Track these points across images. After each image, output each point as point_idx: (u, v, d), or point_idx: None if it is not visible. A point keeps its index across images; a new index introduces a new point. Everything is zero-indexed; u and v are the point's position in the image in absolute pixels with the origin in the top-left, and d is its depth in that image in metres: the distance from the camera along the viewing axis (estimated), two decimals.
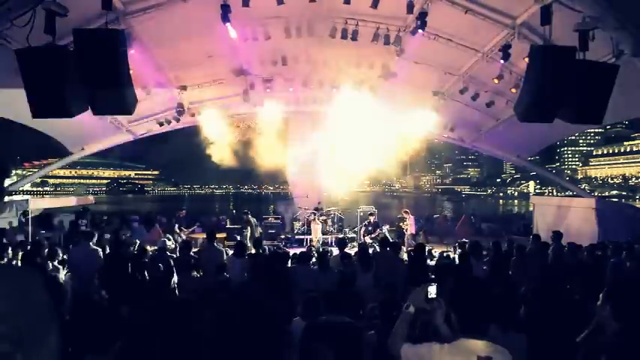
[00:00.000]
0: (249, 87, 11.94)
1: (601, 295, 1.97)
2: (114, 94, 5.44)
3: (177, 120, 12.66)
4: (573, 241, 7.61)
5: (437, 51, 9.04)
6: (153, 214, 17.53)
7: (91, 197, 17.56)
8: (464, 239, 9.17)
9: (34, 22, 5.26)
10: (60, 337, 0.97)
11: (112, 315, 3.16)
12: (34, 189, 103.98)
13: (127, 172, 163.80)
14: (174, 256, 7.39)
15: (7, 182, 1.06)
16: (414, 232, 12.55)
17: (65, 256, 6.80)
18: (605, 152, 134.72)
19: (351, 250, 9.20)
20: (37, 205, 12.75)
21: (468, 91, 10.25)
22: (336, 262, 6.44)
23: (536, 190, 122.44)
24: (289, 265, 6.67)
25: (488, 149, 14.19)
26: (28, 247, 6.84)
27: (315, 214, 13.52)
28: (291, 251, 8.69)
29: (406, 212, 13.18)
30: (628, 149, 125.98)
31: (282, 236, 13.68)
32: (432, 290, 2.00)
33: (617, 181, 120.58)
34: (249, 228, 12.49)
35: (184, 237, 11.44)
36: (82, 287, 5.36)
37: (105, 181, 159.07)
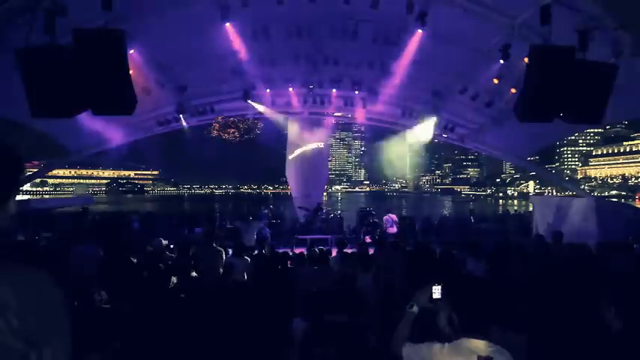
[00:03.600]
0: (249, 87, 11.97)
1: (604, 295, 1.97)
2: (114, 94, 5.44)
3: (177, 120, 12.68)
4: (573, 241, 7.61)
5: (436, 51, 9.05)
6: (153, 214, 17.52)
7: (90, 197, 17.54)
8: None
9: (34, 22, 5.26)
10: (71, 338, 0.99)
11: (112, 314, 3.16)
12: (34, 189, 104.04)
13: (126, 172, 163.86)
14: (174, 256, 7.38)
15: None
16: (395, 231, 12.49)
17: (65, 257, 6.79)
18: (605, 152, 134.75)
19: (351, 250, 9.19)
20: (37, 205, 12.75)
21: (467, 91, 10.26)
22: (335, 262, 6.45)
23: (536, 190, 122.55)
24: (289, 265, 6.67)
25: (488, 149, 14.20)
26: (28, 247, 6.84)
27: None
28: (289, 252, 8.69)
29: (387, 212, 13.28)
30: (627, 149, 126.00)
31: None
32: (437, 291, 2.00)
33: (617, 181, 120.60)
34: None
35: None
36: (82, 287, 5.35)
37: (104, 181, 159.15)
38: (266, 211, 14.34)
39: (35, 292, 0.96)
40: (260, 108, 13.37)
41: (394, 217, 13.07)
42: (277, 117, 14.26)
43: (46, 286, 0.99)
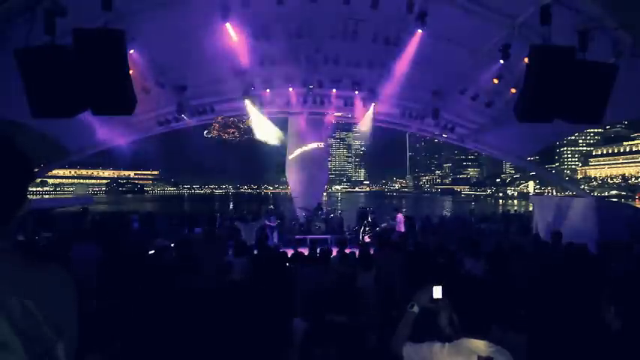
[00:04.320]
0: (249, 87, 11.97)
1: (604, 295, 1.97)
2: (114, 94, 5.44)
3: (177, 120, 12.69)
4: (573, 241, 7.61)
5: (436, 51, 9.05)
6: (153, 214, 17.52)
7: (90, 197, 17.54)
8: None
9: (34, 22, 5.26)
10: (78, 328, 1.06)
11: (112, 314, 3.16)
12: (34, 189, 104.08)
13: (126, 172, 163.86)
14: (174, 256, 7.38)
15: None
16: (402, 229, 12.63)
17: (65, 257, 6.79)
18: (605, 152, 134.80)
19: (350, 250, 9.20)
20: (37, 205, 12.76)
21: (467, 92, 10.26)
22: (336, 262, 6.45)
23: (536, 190, 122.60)
24: (289, 265, 6.66)
25: (488, 149, 14.21)
26: (28, 247, 6.84)
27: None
28: (290, 252, 8.68)
29: (396, 211, 13.38)
30: (627, 149, 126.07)
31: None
32: (438, 290, 2.00)
33: (617, 181, 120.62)
34: None
35: None
36: (82, 287, 5.35)
37: (104, 181, 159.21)
38: (271, 209, 14.28)
39: (59, 284, 1.03)
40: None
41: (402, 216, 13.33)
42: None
43: (67, 280, 1.06)
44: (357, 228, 14.38)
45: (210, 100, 12.56)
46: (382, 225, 13.36)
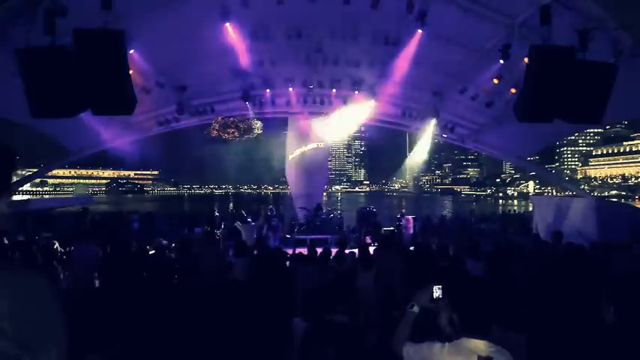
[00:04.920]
0: (249, 87, 11.97)
1: (603, 295, 1.97)
2: (113, 94, 5.45)
3: (177, 120, 12.69)
4: (573, 241, 7.61)
5: (436, 51, 9.05)
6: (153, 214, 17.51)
7: (90, 197, 17.51)
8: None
9: (34, 22, 5.26)
10: (66, 341, 0.98)
11: (111, 315, 3.16)
12: (34, 189, 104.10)
13: (126, 172, 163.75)
14: (174, 256, 7.38)
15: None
16: (411, 231, 12.68)
17: (65, 257, 6.79)
18: (605, 152, 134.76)
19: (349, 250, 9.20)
20: (37, 205, 12.76)
21: (467, 91, 10.26)
22: (333, 262, 6.45)
23: (536, 190, 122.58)
24: (289, 265, 6.66)
25: (488, 149, 14.21)
26: (28, 247, 6.83)
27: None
28: (290, 252, 8.68)
29: (403, 214, 13.43)
30: (627, 149, 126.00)
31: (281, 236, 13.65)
32: (438, 291, 2.00)
33: (617, 181, 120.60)
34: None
35: None
36: (82, 287, 5.35)
37: (104, 181, 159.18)
38: (270, 213, 14.23)
39: (29, 296, 0.95)
40: None
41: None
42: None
43: (41, 290, 0.98)
44: (357, 228, 14.38)
45: (210, 100, 12.56)
46: (386, 229, 13.36)
